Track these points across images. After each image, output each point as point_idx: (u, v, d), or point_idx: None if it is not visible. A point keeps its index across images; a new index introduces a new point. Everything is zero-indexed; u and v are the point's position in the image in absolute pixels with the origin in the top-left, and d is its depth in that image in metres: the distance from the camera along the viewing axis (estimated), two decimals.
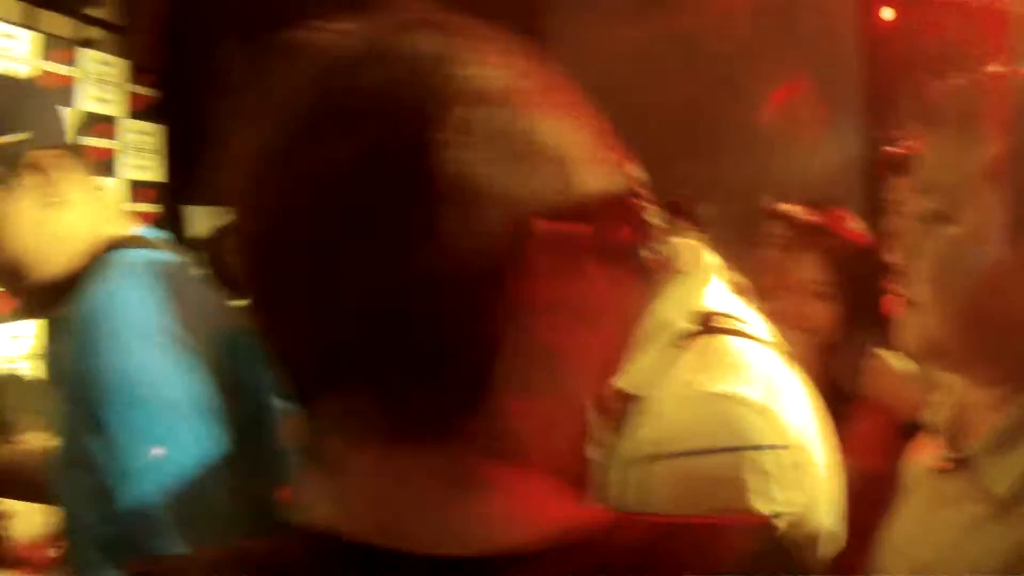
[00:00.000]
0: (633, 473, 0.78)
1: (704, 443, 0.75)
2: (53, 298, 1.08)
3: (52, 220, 1.06)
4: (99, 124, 3.25)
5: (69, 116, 3.04)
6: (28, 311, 1.36)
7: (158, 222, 3.68)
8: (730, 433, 0.75)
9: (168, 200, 3.71)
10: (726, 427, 0.75)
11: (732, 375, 0.78)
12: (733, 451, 0.74)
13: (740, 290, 0.94)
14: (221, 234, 3.00)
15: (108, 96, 3.29)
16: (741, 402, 0.76)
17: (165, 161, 3.68)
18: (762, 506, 0.72)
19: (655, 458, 0.76)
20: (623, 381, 0.78)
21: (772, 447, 0.75)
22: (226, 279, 2.95)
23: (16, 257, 1.04)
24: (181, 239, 3.66)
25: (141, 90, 3.51)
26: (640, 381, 0.81)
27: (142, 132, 3.54)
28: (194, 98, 3.55)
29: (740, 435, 0.75)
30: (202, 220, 3.49)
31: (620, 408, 0.82)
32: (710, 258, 0.91)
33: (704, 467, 0.74)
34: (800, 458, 0.77)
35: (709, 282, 0.88)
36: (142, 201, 3.58)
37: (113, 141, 3.35)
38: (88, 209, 1.11)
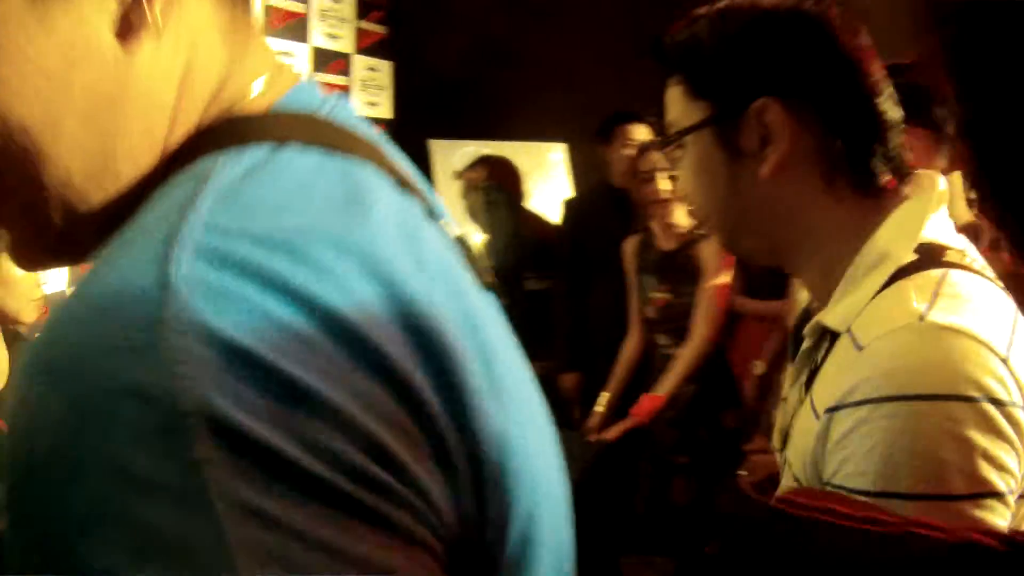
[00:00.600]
0: (836, 422, 0.65)
1: (929, 387, 0.61)
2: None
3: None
4: (334, 61, 3.34)
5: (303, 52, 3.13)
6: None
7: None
8: (965, 379, 0.60)
9: (398, 136, 3.76)
10: (959, 369, 0.61)
11: (968, 312, 0.64)
12: (967, 401, 0.59)
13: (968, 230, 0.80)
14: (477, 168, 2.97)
15: (339, 32, 3.36)
16: (981, 343, 0.61)
17: (395, 97, 3.73)
18: (993, 476, 0.58)
19: (863, 403, 0.62)
20: (829, 318, 0.71)
21: (1012, 404, 0.60)
22: (488, 219, 2.99)
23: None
24: (426, 175, 3.72)
25: (370, 26, 3.55)
26: (849, 314, 0.69)
27: (371, 69, 3.59)
28: (421, 34, 3.56)
29: (977, 383, 0.60)
30: (445, 155, 3.49)
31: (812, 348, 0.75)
32: (943, 186, 0.75)
33: (927, 415, 0.60)
34: None
35: (938, 211, 0.73)
36: None
37: (346, 77, 3.43)
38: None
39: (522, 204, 3.05)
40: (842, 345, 0.68)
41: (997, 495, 0.58)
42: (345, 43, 3.41)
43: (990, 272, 0.71)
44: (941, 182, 0.74)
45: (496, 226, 2.92)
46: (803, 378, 0.76)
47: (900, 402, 0.60)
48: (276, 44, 2.98)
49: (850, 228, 0.72)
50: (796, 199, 0.73)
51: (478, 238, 3.05)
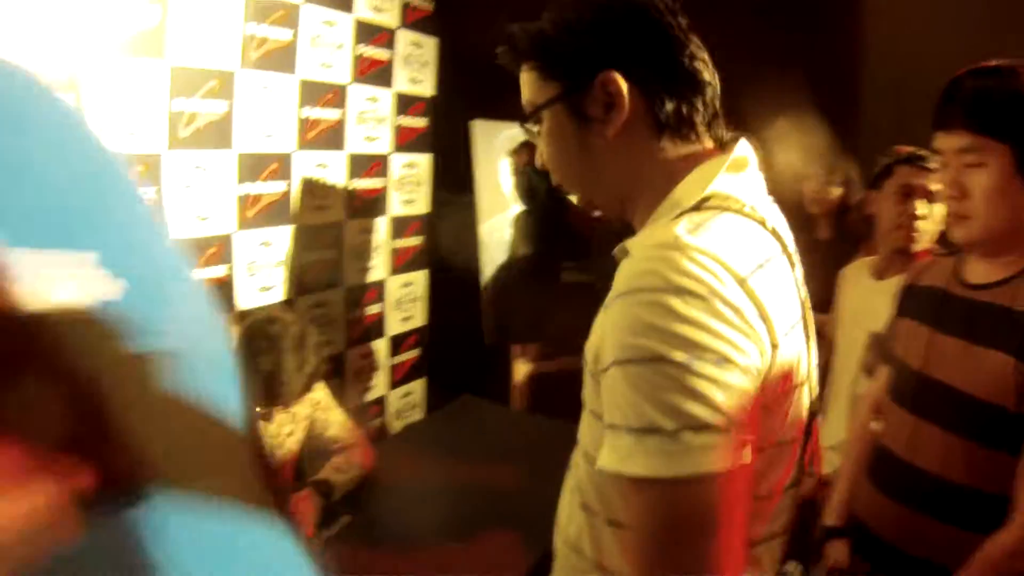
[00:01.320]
0: (605, 314, 0.80)
1: (658, 282, 0.73)
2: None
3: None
4: (378, 34, 3.23)
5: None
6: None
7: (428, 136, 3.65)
8: (694, 277, 0.72)
9: (440, 115, 3.65)
10: (688, 271, 0.73)
11: (719, 240, 0.76)
12: (691, 294, 0.71)
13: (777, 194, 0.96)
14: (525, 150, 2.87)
15: (384, 5, 3.25)
16: (720, 261, 0.74)
17: (438, 74, 3.62)
18: (711, 342, 0.71)
19: (615, 299, 0.76)
20: (625, 245, 0.83)
21: (741, 314, 0.73)
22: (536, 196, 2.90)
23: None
24: (466, 155, 3.61)
25: (416, 1, 3.44)
26: (631, 246, 0.83)
27: (416, 44, 3.48)
28: (468, 11, 3.43)
29: (705, 283, 0.72)
30: (487, 136, 3.38)
31: None
32: (743, 152, 0.90)
33: (627, 310, 0.74)
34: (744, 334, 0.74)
35: (737, 171, 0.88)
36: (413, 115, 3.55)
37: (389, 51, 3.33)
38: None
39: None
40: (624, 261, 0.81)
41: (693, 362, 0.70)
42: (390, 16, 3.30)
43: (772, 223, 0.86)
44: (742, 148, 0.90)
45: (536, 212, 2.81)
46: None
47: (634, 295, 0.73)
48: (316, 12, 2.89)
49: (668, 180, 0.87)
50: (635, 155, 0.89)
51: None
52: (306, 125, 2.94)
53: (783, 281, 0.84)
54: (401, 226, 3.59)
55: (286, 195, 2.90)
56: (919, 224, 1.95)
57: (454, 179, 3.75)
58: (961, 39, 1.96)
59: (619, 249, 0.85)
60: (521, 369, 3.22)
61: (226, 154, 2.61)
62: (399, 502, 2.06)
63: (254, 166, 2.73)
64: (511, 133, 3.04)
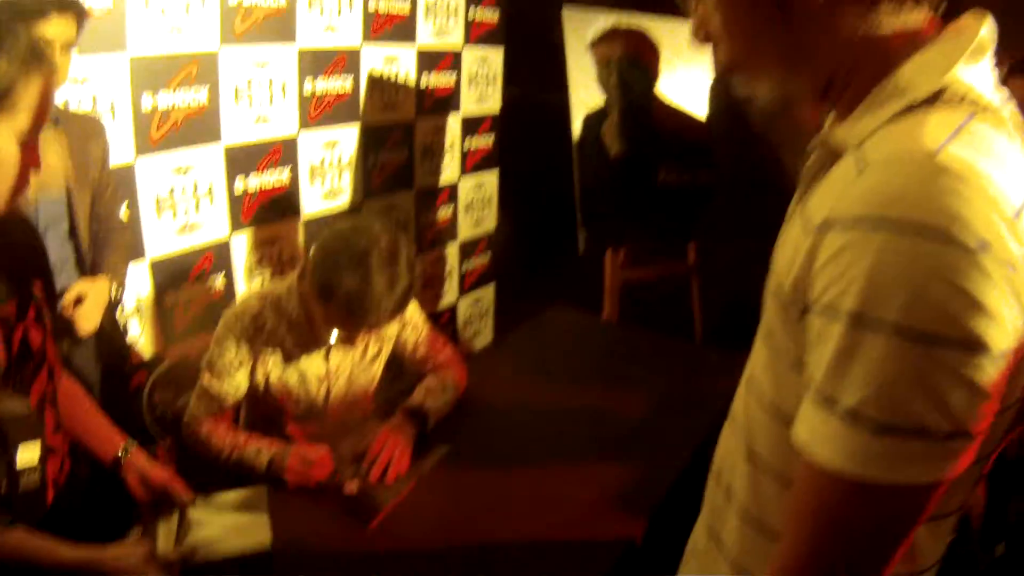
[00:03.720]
0: (827, 240, 0.63)
1: (929, 223, 0.57)
2: None
3: None
4: None
5: None
6: None
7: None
8: (965, 225, 0.56)
9: (513, 4, 3.35)
10: (961, 213, 0.57)
11: (983, 160, 0.60)
12: (964, 250, 0.56)
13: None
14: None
15: None
16: (989, 195, 0.58)
17: None
18: (983, 329, 0.56)
19: (857, 224, 0.60)
20: (835, 135, 0.71)
21: (1010, 265, 0.57)
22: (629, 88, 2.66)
23: None
24: (545, 48, 3.32)
25: None
26: (854, 135, 0.68)
27: None
28: None
29: (977, 234, 0.56)
30: (578, 25, 3.07)
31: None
32: (986, 33, 0.69)
33: (923, 253, 0.57)
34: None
35: (975, 59, 0.67)
36: (485, 6, 3.26)
37: None
38: None
39: (658, 86, 2.65)
40: (844, 165, 0.68)
41: (984, 349, 0.57)
42: None
43: (1022, 135, 0.68)
44: (984, 29, 0.69)
45: (627, 107, 2.56)
46: (802, 193, 0.76)
47: (896, 230, 0.58)
48: None
49: (884, 61, 0.69)
50: (846, 26, 0.70)
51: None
52: (373, 18, 2.71)
53: None
54: (473, 125, 3.37)
55: (352, 93, 2.71)
56: None
57: (530, 74, 3.48)
58: None
59: (828, 138, 0.71)
60: (613, 276, 3.03)
61: (287, 49, 2.42)
62: (500, 426, 1.81)
63: (317, 62, 2.53)
64: (603, 23, 2.74)
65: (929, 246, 0.57)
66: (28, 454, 1.05)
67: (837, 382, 0.61)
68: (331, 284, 1.44)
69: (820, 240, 0.64)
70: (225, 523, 1.30)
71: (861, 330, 0.59)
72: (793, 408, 0.68)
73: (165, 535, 1.26)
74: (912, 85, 0.67)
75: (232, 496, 1.37)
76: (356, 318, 1.47)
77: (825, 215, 0.64)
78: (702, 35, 0.78)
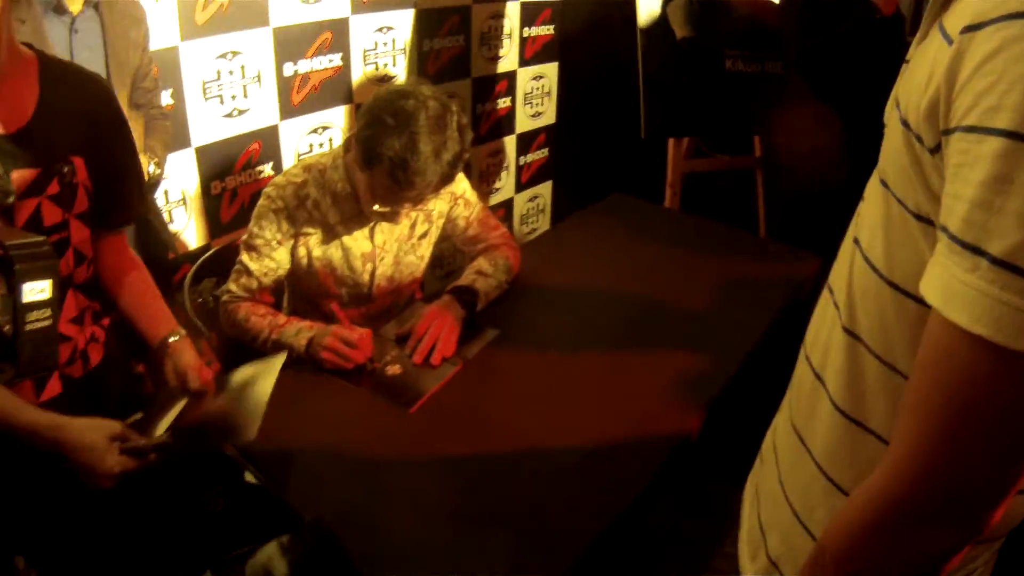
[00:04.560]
0: (976, 43, 0.51)
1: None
2: None
3: None
4: None
5: None
6: None
7: None
8: None
9: None
10: None
11: None
12: None
13: None
14: None
15: None
16: None
17: None
18: None
19: (1016, 16, 0.48)
20: None
21: None
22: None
23: None
24: None
25: None
26: None
27: None
28: None
29: None
30: None
31: None
32: None
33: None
34: None
35: None
36: None
37: None
38: None
39: None
40: None
41: None
42: None
43: None
44: None
45: None
46: (936, 12, 0.62)
47: None
48: None
49: None
50: None
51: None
52: None
53: None
54: (533, 12, 3.23)
55: None
56: None
57: None
58: None
59: None
60: (675, 166, 2.92)
61: None
62: (552, 312, 1.72)
63: None
64: None
65: None
66: (36, 291, 0.97)
67: (984, 222, 0.49)
68: (375, 147, 1.38)
69: (966, 46, 0.52)
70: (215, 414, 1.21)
71: (1019, 153, 0.47)
72: (907, 274, 0.59)
73: (161, 423, 1.18)
74: None
75: (238, 379, 1.23)
76: (401, 186, 1.40)
77: (972, 17, 0.52)
78: None
